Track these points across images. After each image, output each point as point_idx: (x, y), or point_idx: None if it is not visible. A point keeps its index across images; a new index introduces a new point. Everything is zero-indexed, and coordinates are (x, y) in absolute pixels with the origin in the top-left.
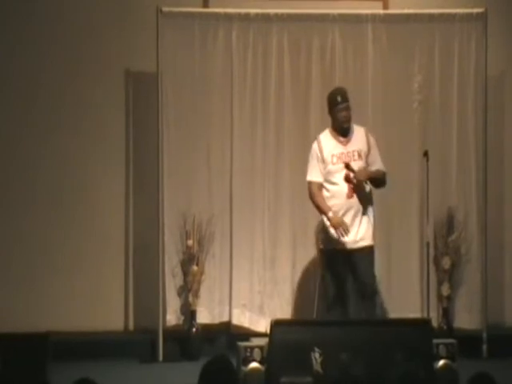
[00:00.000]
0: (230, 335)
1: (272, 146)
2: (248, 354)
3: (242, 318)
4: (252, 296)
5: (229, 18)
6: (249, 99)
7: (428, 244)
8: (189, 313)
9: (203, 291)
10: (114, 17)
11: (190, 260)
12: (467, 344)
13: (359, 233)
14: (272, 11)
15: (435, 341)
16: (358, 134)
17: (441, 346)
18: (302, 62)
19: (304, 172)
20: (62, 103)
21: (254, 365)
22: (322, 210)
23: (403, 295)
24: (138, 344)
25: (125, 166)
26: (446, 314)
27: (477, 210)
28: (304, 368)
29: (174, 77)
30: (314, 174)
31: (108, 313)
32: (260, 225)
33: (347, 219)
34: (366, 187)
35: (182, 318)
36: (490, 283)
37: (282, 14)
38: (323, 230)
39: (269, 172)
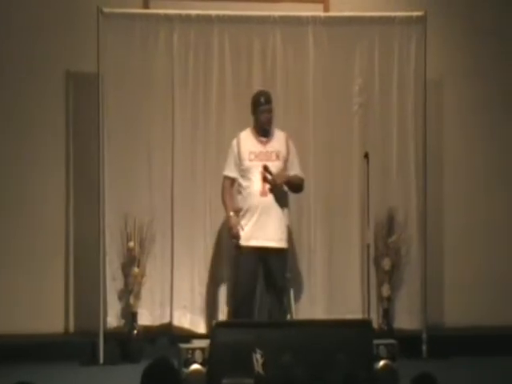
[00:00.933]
0: (171, 337)
1: (213, 147)
2: (189, 355)
3: (183, 320)
4: (193, 297)
5: (170, 19)
6: (190, 100)
7: (368, 245)
8: (130, 315)
9: (144, 293)
10: (55, 16)
11: (131, 262)
12: (407, 344)
13: (270, 233)
14: (213, 13)
15: (376, 341)
16: (279, 137)
17: (381, 347)
18: (244, 63)
19: None
20: (1, 104)
21: (195, 366)
22: (225, 208)
23: (344, 296)
24: (78, 346)
25: (65, 167)
26: (387, 314)
27: (416, 211)
28: (245, 369)
29: (114, 78)
30: (227, 169)
31: (48, 315)
32: (201, 226)
33: (259, 217)
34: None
35: (123, 320)
36: (429, 284)
37: (224, 16)
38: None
39: (210, 173)
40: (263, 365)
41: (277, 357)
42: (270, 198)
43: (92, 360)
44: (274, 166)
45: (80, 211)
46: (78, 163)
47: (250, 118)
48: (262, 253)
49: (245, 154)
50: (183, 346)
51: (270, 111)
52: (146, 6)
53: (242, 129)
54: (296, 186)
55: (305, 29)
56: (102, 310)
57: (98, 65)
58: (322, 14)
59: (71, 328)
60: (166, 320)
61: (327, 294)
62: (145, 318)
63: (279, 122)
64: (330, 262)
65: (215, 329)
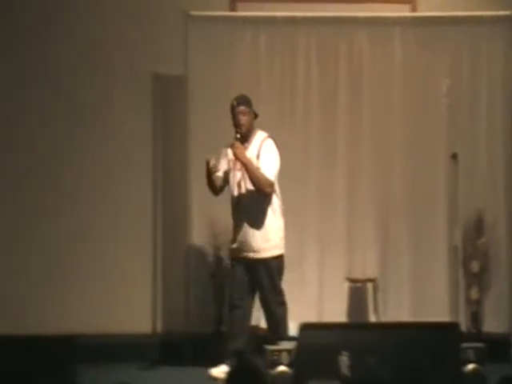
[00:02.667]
0: (257, 338)
1: (299, 149)
2: (275, 357)
3: None
4: None
5: (256, 21)
6: (276, 103)
7: (456, 247)
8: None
9: None
10: (143, 20)
11: (217, 264)
12: (495, 348)
13: (255, 244)
14: (299, 14)
15: (464, 345)
16: (258, 141)
17: (469, 350)
18: (330, 65)
19: (330, 173)
20: (89, 106)
21: (281, 368)
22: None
23: (431, 299)
24: (165, 347)
25: (152, 169)
26: (475, 317)
27: (506, 212)
28: (331, 372)
29: (201, 80)
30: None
31: (136, 315)
32: (287, 227)
33: (242, 228)
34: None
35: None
36: None
37: (309, 18)
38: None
39: (295, 174)
40: (349, 367)
41: (363, 359)
42: (249, 205)
43: (178, 361)
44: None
45: (167, 213)
46: (165, 166)
47: (336, 120)
48: (250, 264)
49: (226, 161)
50: (269, 347)
51: (244, 113)
52: (232, 8)
53: (327, 130)
54: (254, 175)
55: (391, 29)
56: (189, 311)
57: (185, 67)
58: (408, 14)
59: (159, 329)
60: (252, 322)
61: (414, 297)
62: None
63: (365, 123)
64: (417, 264)
65: (301, 330)
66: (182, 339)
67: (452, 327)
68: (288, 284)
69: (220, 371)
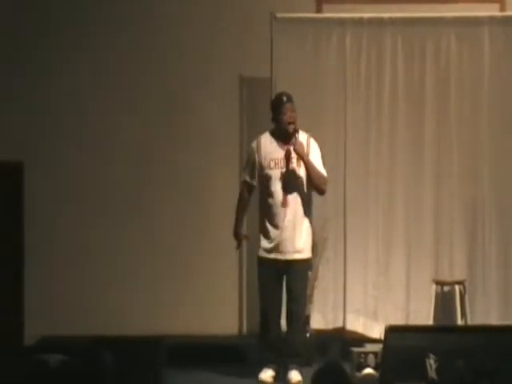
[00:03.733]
0: (343, 341)
1: (385, 150)
2: (362, 359)
3: (356, 324)
4: (366, 301)
5: (342, 22)
6: (362, 104)
7: None
8: (303, 318)
9: (317, 296)
10: (229, 23)
11: None
12: None
13: (297, 244)
14: (386, 15)
15: None
16: (302, 140)
17: None
18: (416, 66)
19: (418, 174)
20: (175, 108)
21: (368, 371)
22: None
23: None
24: (251, 348)
25: (239, 172)
26: None
27: None
28: (419, 375)
29: (287, 82)
30: (245, 174)
31: (223, 316)
32: (374, 229)
33: (284, 230)
34: (303, 190)
35: None
36: None
37: (396, 18)
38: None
39: (382, 175)
40: (437, 370)
41: (451, 362)
42: (291, 208)
43: (264, 362)
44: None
45: (252, 212)
46: None
47: (422, 120)
48: (283, 267)
49: (265, 161)
50: (356, 349)
51: (293, 110)
52: (318, 10)
53: (414, 131)
54: (316, 173)
55: (480, 29)
56: None
57: (271, 69)
58: (498, 13)
59: (245, 330)
60: (339, 324)
61: (502, 300)
62: (317, 322)
63: (453, 124)
64: (506, 266)
65: (388, 333)
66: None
67: None
68: (375, 287)
69: (267, 375)
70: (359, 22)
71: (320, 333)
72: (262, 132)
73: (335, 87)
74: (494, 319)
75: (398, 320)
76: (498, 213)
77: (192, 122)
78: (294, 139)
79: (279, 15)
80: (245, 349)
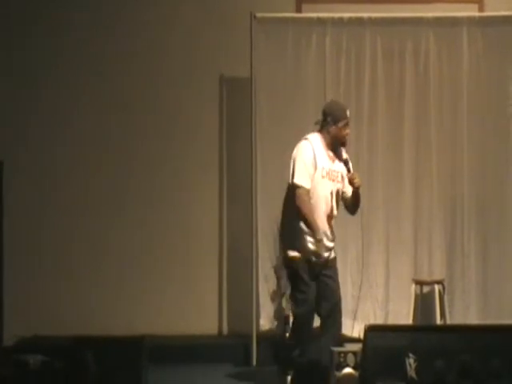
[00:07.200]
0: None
1: (365, 150)
2: (341, 359)
3: None
4: (345, 300)
5: (322, 22)
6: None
7: None
8: (282, 317)
9: None
10: (209, 23)
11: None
12: None
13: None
14: (365, 15)
15: None
16: (341, 152)
17: None
18: (396, 66)
19: (397, 174)
20: (156, 108)
21: (347, 370)
22: (314, 226)
23: (499, 301)
24: (231, 348)
25: (218, 171)
26: None
27: None
28: (398, 374)
29: (267, 82)
30: (303, 178)
31: (202, 317)
32: (353, 228)
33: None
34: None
35: (276, 322)
36: None
37: (376, 18)
38: (298, 235)
39: (362, 175)
40: (416, 369)
41: (430, 362)
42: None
43: (245, 362)
44: (336, 188)
45: (233, 214)
46: (231, 168)
47: (402, 120)
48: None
49: (319, 168)
50: (335, 349)
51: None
52: (298, 10)
53: (393, 131)
54: (359, 199)
55: (459, 30)
56: (255, 312)
57: (250, 69)
58: (476, 14)
59: (225, 330)
60: (318, 323)
61: (481, 299)
62: None
63: (432, 124)
64: (484, 266)
65: (368, 332)
66: (247, 340)
67: None
68: (355, 286)
69: None
70: (339, 21)
71: None
72: (242, 132)
73: (315, 87)
74: (473, 318)
75: (378, 319)
76: (476, 213)
77: (172, 122)
78: (339, 149)
79: (259, 15)
80: (225, 349)
